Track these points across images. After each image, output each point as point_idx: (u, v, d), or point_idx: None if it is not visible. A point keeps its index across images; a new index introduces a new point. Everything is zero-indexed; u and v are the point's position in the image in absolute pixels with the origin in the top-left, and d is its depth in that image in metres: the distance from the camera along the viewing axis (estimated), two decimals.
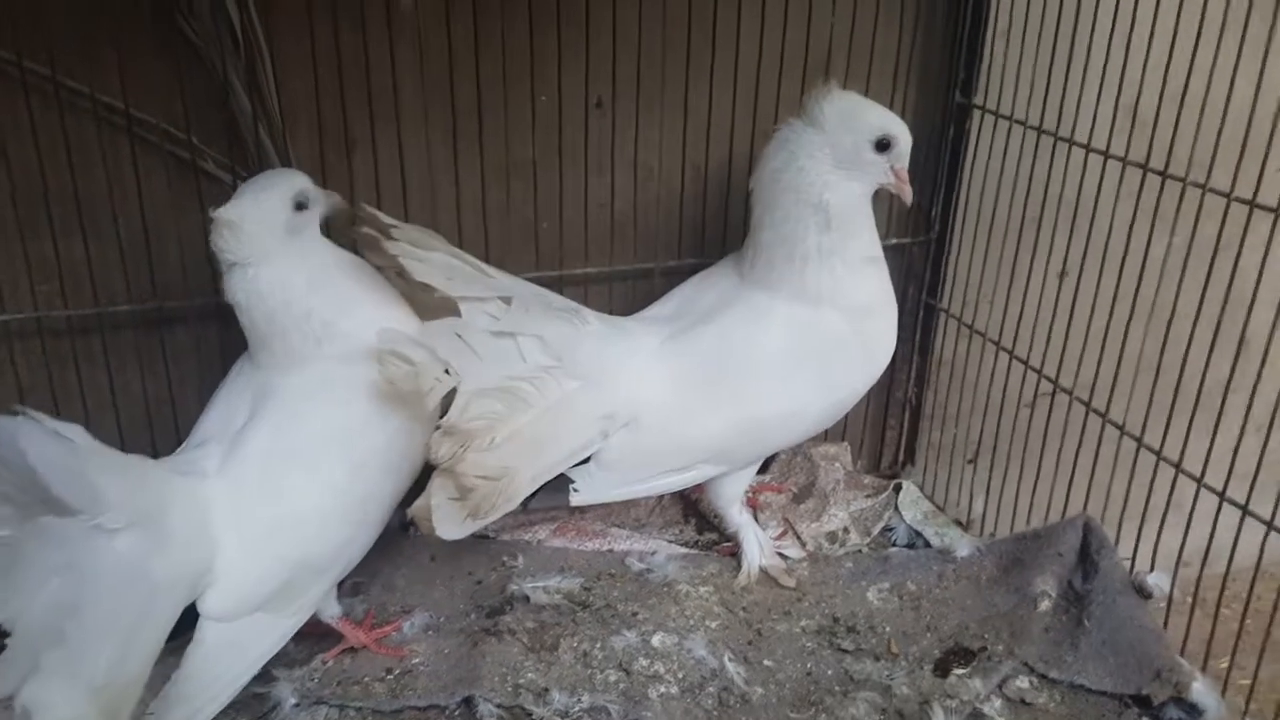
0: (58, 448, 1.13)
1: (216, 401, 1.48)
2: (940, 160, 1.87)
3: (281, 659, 1.50)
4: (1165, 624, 1.53)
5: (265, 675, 1.46)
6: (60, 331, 1.58)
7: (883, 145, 1.51)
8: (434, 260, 1.45)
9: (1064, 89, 1.65)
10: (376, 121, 1.58)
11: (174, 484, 1.31)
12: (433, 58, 1.58)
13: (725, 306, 1.59)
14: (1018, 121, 1.73)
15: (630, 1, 1.63)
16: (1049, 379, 1.73)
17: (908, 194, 1.54)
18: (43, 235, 1.51)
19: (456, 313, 1.45)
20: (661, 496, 1.85)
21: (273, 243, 1.37)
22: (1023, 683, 1.49)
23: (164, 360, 1.64)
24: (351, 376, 1.39)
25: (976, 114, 1.81)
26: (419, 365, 1.35)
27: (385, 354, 1.35)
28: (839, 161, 1.51)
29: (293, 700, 1.44)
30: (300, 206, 1.41)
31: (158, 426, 1.65)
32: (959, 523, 1.86)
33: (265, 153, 1.53)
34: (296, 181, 1.41)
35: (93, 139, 1.48)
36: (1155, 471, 1.53)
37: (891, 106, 1.77)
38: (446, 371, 1.37)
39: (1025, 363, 1.77)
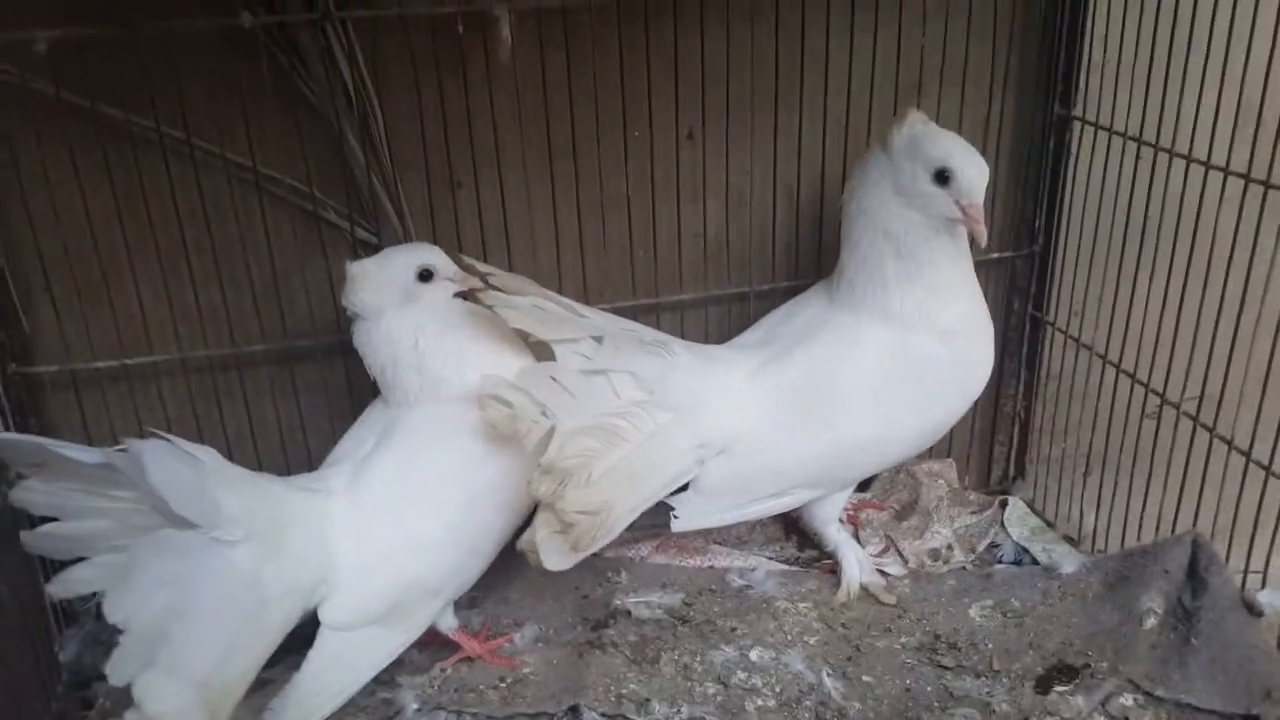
0: (181, 466, 1.32)
1: (351, 430, 1.66)
2: (1042, 173, 1.92)
3: (405, 666, 1.67)
4: (1277, 643, 1.54)
5: (390, 681, 1.63)
6: (202, 369, 1.78)
7: (942, 178, 1.53)
8: (524, 306, 1.57)
9: (1163, 98, 1.68)
10: (479, 165, 1.74)
11: (295, 500, 1.49)
12: (529, 103, 1.72)
13: (813, 331, 1.68)
14: (1117, 133, 1.76)
15: (717, 34, 1.73)
16: (1156, 393, 1.75)
17: (981, 234, 1.54)
18: (184, 284, 1.71)
19: (553, 356, 1.57)
20: None
21: (388, 304, 1.57)
22: (1127, 700, 1.52)
23: (295, 393, 1.83)
24: (470, 418, 1.53)
25: (1076, 125, 1.85)
26: (516, 409, 1.48)
27: (486, 399, 1.49)
28: (899, 190, 1.57)
29: (414, 705, 1.59)
30: (424, 277, 1.58)
31: (291, 453, 1.84)
32: (1069, 539, 1.90)
33: (379, 200, 1.71)
34: (425, 256, 1.59)
35: (225, 195, 1.68)
36: (1265, 487, 1.54)
37: (988, 120, 1.86)
38: (544, 414, 1.50)
39: (1133, 376, 1.80)
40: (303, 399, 1.84)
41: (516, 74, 1.68)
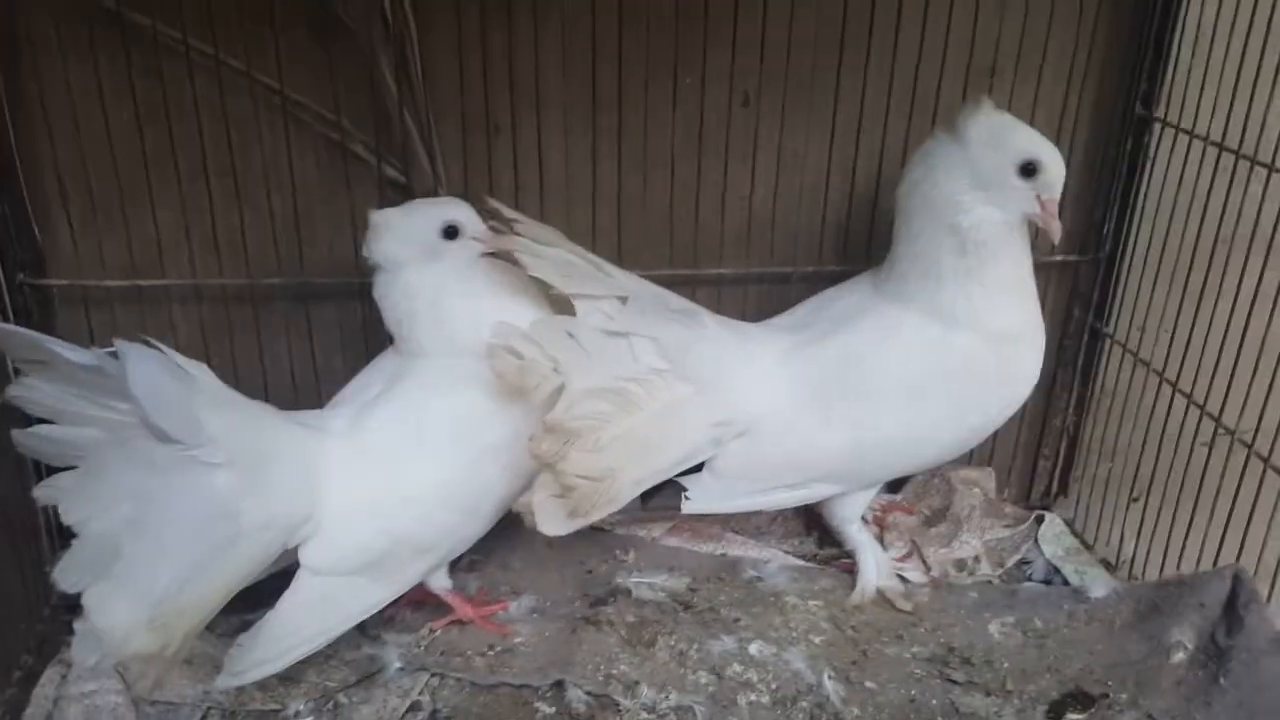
0: (167, 376, 1.30)
1: (360, 374, 1.64)
2: (1115, 174, 1.85)
3: (393, 624, 1.67)
4: None
5: (376, 637, 1.64)
6: (216, 298, 1.77)
7: (1028, 170, 1.49)
8: (549, 256, 1.53)
9: (1249, 105, 1.60)
10: (518, 109, 1.70)
11: (288, 433, 1.47)
12: (576, 46, 1.68)
13: (853, 318, 1.63)
14: (1199, 138, 1.69)
15: None
16: (1212, 417, 1.68)
17: (1055, 230, 1.52)
18: (203, 207, 1.70)
19: (573, 311, 1.54)
20: None
21: (409, 258, 1.53)
22: None
23: (309, 333, 1.81)
24: (482, 374, 1.51)
25: (1157, 127, 1.78)
26: (526, 360, 1.46)
27: (496, 347, 1.46)
28: (978, 183, 1.51)
29: (398, 664, 1.59)
30: (450, 234, 1.54)
31: (302, 393, 1.82)
32: (1106, 563, 1.85)
33: (410, 138, 1.68)
34: (452, 212, 1.55)
35: (250, 118, 1.66)
36: None
37: (1063, 113, 1.79)
38: (555, 369, 1.47)
39: (1189, 397, 1.73)
40: (317, 340, 1.82)
41: (564, 14, 1.64)
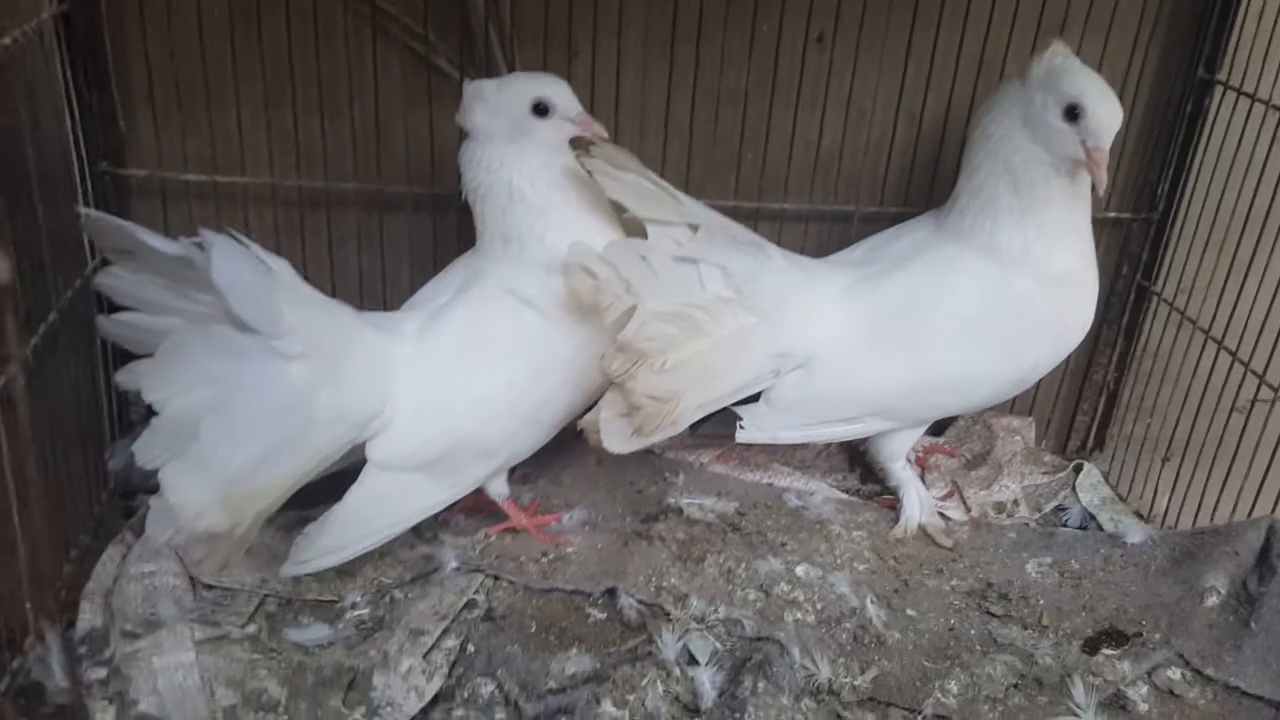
0: (251, 270, 1.34)
1: (434, 280, 1.68)
2: (1174, 135, 1.89)
3: (449, 527, 1.72)
4: None
5: (433, 538, 1.69)
6: (291, 201, 1.82)
7: (1072, 114, 1.51)
8: (626, 180, 1.56)
9: None
10: (599, 34, 1.74)
11: (364, 331, 1.51)
12: None
13: (914, 255, 1.67)
14: (1261, 101, 1.73)
15: None
16: (1257, 374, 1.72)
17: (1101, 179, 1.51)
18: (285, 109, 1.74)
19: (644, 235, 1.57)
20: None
21: (497, 130, 1.55)
22: (1174, 674, 1.51)
23: (380, 242, 1.86)
24: (554, 286, 1.54)
25: (1219, 90, 1.82)
26: (601, 280, 1.49)
27: (572, 265, 1.49)
28: (1026, 121, 1.55)
29: (454, 564, 1.64)
30: (540, 111, 1.55)
31: (368, 301, 1.87)
32: (1139, 515, 1.89)
33: (493, 54, 1.72)
34: (546, 88, 1.56)
35: (339, 24, 1.70)
36: None
37: (1127, 73, 1.83)
38: (627, 291, 1.50)
39: (1235, 356, 1.78)
40: (387, 249, 1.86)
41: None
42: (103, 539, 1.65)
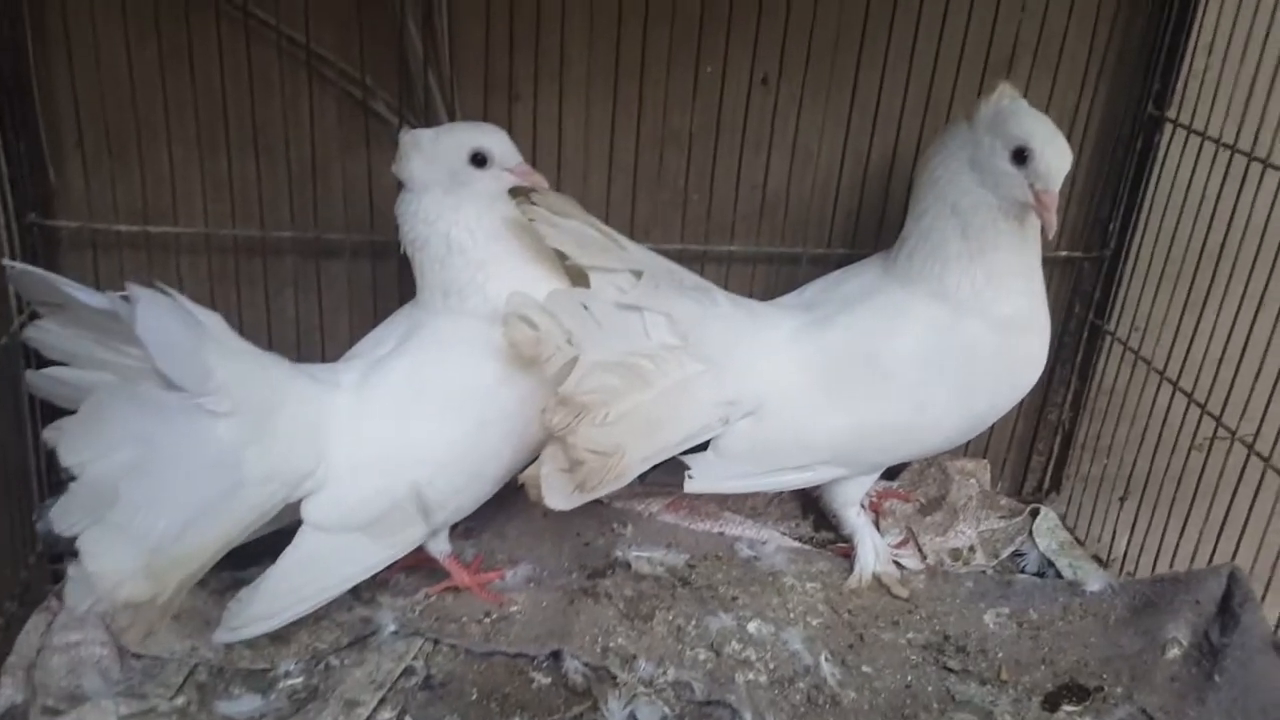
0: (178, 324, 1.29)
1: (374, 330, 1.63)
2: (1124, 173, 1.88)
3: (389, 587, 1.66)
4: None
5: (371, 600, 1.63)
6: (226, 249, 1.76)
7: (1020, 156, 1.48)
8: (567, 228, 1.53)
9: (1264, 108, 1.62)
10: (540, 77, 1.71)
11: (297, 384, 1.46)
12: (602, 19, 1.68)
13: (862, 299, 1.64)
14: (1211, 139, 1.72)
15: None
16: (1213, 416, 1.71)
17: (1050, 222, 1.48)
18: (219, 155, 1.69)
19: (587, 282, 1.53)
20: None
21: (434, 181, 1.51)
22: None
23: (318, 289, 1.80)
24: (494, 338, 1.49)
25: (1168, 128, 1.81)
26: (541, 331, 1.44)
27: (511, 316, 1.45)
28: (974, 164, 1.53)
29: (392, 627, 1.58)
30: (478, 162, 1.51)
31: (305, 350, 1.82)
32: (1098, 559, 1.86)
33: (432, 99, 1.68)
34: (484, 138, 1.52)
35: (274, 68, 1.65)
36: None
37: (1077, 110, 1.81)
38: (569, 341, 1.46)
39: (1190, 397, 1.76)
40: (325, 296, 1.81)
41: None
42: (29, 605, 1.59)
